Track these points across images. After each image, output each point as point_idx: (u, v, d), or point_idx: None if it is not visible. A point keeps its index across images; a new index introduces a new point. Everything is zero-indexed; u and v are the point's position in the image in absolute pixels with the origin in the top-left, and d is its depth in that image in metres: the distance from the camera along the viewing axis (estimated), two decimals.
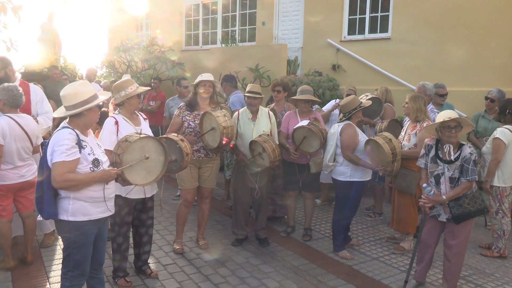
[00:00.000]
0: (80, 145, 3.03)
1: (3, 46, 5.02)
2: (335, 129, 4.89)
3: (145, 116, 4.32)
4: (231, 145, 5.03)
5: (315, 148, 4.99)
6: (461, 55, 7.81)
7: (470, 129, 4.04)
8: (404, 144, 4.96)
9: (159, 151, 3.47)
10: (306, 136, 4.96)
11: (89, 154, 3.08)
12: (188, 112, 4.85)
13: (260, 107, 5.14)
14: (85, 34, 33.43)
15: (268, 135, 4.94)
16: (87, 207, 3.08)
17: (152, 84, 9.22)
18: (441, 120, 3.82)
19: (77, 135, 3.05)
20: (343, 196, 4.88)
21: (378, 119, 6.09)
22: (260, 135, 4.86)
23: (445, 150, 3.88)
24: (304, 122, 5.03)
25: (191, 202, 4.98)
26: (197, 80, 4.84)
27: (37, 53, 11.88)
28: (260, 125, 5.04)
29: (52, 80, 8.86)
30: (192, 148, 4.30)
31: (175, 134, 4.19)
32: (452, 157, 3.85)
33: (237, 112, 5.21)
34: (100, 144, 3.39)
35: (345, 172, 4.81)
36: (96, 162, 3.09)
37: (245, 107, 5.19)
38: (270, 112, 5.22)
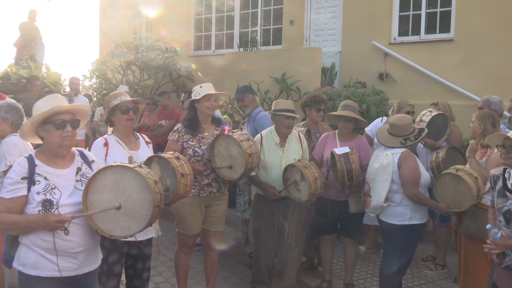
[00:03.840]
0: (31, 180, 2.96)
1: None
2: (389, 160, 4.71)
3: (148, 140, 4.33)
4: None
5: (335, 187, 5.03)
6: None
7: None
8: None
9: (143, 186, 2.97)
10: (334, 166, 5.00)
11: (38, 193, 2.95)
12: (189, 136, 4.74)
13: None
14: (72, 37, 34.50)
15: (309, 160, 4.88)
16: (37, 259, 2.98)
17: (157, 102, 9.27)
18: None
19: (33, 166, 3.00)
20: (398, 244, 4.74)
21: (443, 141, 5.98)
22: (299, 160, 4.80)
23: None
24: (342, 149, 4.92)
25: (192, 248, 4.93)
26: (198, 94, 4.71)
27: (14, 60, 12.23)
28: (290, 152, 4.96)
29: (31, 94, 9.05)
30: (192, 172, 4.18)
31: (171, 152, 4.13)
32: None
33: (259, 134, 5.13)
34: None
35: (403, 214, 4.67)
36: (48, 205, 2.95)
37: (269, 128, 5.14)
38: (300, 134, 5.17)
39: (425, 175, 4.68)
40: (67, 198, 3.01)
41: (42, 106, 3.06)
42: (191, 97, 4.83)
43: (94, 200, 2.99)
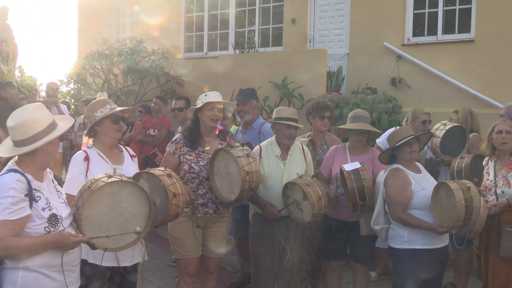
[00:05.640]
0: (32, 196, 3.02)
1: None
2: (380, 177, 4.80)
3: (133, 153, 4.36)
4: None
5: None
6: None
7: None
8: (503, 192, 4.81)
9: (140, 200, 3.44)
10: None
11: (43, 209, 3.06)
12: (188, 148, 4.77)
13: None
14: (48, 37, 34.56)
15: (312, 176, 4.87)
16: (42, 280, 3.05)
17: (152, 106, 9.28)
18: None
19: (29, 182, 3.04)
20: (401, 272, 4.73)
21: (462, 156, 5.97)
22: (300, 176, 4.76)
23: None
24: (352, 165, 4.91)
25: (194, 276, 4.88)
26: (201, 103, 4.77)
27: None
28: (292, 166, 4.95)
29: (5, 102, 8.98)
30: (186, 191, 4.18)
31: (162, 168, 4.15)
32: None
33: (258, 146, 5.12)
34: (61, 191, 3.40)
35: (401, 236, 4.66)
36: (53, 220, 3.08)
37: (270, 139, 5.13)
38: (304, 147, 5.17)
39: (421, 195, 4.61)
40: (61, 211, 3.17)
41: (44, 118, 3.19)
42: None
43: (88, 215, 3.18)
